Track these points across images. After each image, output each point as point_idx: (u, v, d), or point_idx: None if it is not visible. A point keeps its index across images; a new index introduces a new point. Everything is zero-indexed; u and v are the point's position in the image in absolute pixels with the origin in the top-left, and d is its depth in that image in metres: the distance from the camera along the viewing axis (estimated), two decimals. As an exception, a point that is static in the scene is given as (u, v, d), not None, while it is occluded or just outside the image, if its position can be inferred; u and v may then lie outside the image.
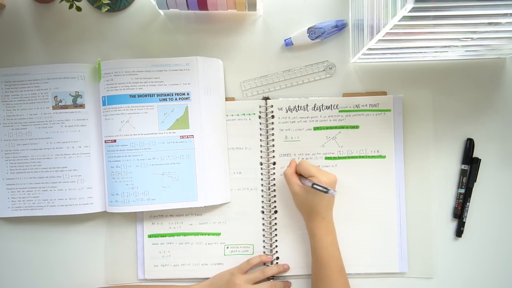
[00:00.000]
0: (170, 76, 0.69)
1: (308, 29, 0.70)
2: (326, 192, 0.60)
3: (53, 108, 0.70)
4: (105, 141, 0.70)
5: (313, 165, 0.66)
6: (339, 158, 0.71)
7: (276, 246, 0.71)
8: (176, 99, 0.69)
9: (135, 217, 0.72)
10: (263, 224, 0.72)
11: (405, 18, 0.45)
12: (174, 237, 0.72)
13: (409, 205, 0.71)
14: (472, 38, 0.56)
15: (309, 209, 0.65)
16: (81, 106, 0.70)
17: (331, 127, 0.71)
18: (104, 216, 0.72)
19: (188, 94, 0.70)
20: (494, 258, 0.71)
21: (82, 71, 0.70)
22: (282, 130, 0.71)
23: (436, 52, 0.63)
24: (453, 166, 0.72)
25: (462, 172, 0.71)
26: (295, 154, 0.71)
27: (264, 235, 0.71)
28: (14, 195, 0.71)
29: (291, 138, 0.71)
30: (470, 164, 0.71)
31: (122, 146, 0.69)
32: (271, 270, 0.69)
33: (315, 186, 0.61)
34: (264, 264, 0.71)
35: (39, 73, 0.71)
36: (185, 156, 0.69)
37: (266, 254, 0.71)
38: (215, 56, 0.71)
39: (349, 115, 0.71)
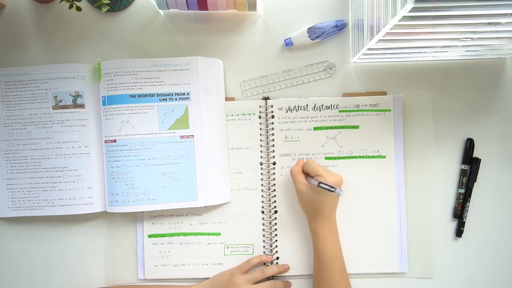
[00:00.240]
0: (170, 76, 0.69)
1: (308, 29, 0.70)
2: (333, 191, 0.59)
3: (53, 108, 0.70)
4: (105, 141, 0.70)
5: (321, 165, 0.66)
6: (339, 158, 0.71)
7: (276, 246, 0.71)
8: (176, 99, 0.69)
9: (135, 217, 0.72)
10: (263, 224, 0.72)
11: (405, 18, 0.45)
12: (174, 237, 0.72)
13: (409, 205, 0.71)
14: (472, 38, 0.56)
15: (313, 208, 0.65)
16: (81, 106, 0.70)
17: (331, 127, 0.71)
18: (104, 216, 0.72)
19: (188, 94, 0.69)
20: (494, 258, 0.71)
21: (82, 71, 0.70)
22: (282, 130, 0.71)
23: (436, 52, 0.63)
24: (453, 166, 0.72)
25: (462, 172, 0.71)
26: (295, 154, 0.71)
27: (264, 235, 0.71)
28: (14, 195, 0.71)
29: (291, 138, 0.71)
30: (470, 164, 0.71)
31: (122, 146, 0.69)
32: (271, 270, 0.69)
33: (321, 185, 0.60)
34: (264, 264, 0.71)
35: (39, 73, 0.71)
36: (185, 156, 0.69)
37: (266, 254, 0.71)
38: (215, 56, 0.71)
39: (349, 115, 0.71)
